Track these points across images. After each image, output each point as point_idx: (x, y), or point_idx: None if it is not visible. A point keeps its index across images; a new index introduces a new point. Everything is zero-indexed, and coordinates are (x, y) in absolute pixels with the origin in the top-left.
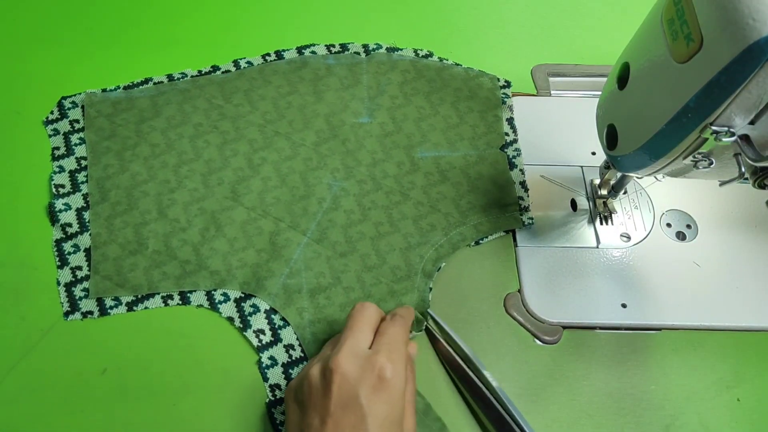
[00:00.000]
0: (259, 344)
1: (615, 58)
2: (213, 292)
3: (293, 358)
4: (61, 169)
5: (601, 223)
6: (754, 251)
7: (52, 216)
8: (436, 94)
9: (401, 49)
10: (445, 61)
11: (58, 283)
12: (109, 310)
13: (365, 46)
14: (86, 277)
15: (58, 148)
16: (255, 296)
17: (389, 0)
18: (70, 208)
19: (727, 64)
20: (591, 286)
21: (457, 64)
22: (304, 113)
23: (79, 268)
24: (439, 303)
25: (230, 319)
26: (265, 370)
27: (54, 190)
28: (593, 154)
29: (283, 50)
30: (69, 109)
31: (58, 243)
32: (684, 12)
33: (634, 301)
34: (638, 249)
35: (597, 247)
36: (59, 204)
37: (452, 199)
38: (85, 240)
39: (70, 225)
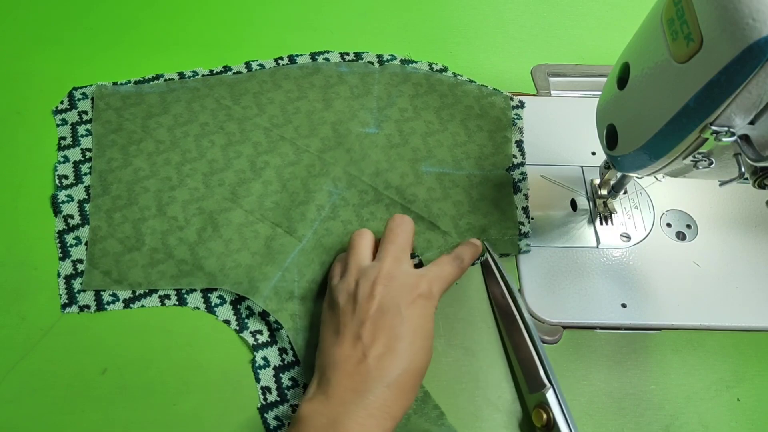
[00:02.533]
0: (255, 343)
1: (615, 58)
2: (209, 294)
3: (285, 362)
4: (66, 159)
5: (601, 223)
6: (754, 251)
7: (55, 207)
8: (447, 110)
9: (416, 62)
10: (459, 77)
11: (59, 275)
12: (106, 306)
13: (379, 57)
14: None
15: (64, 138)
16: (248, 298)
17: (387, 0)
18: (73, 200)
19: (727, 64)
20: (591, 286)
21: (471, 81)
22: (311, 119)
23: (80, 261)
24: (440, 303)
25: (227, 322)
26: (258, 371)
27: (57, 181)
28: (593, 154)
29: (297, 55)
30: (79, 100)
31: (61, 234)
32: (684, 12)
33: (634, 301)
34: (638, 249)
35: (597, 247)
36: (62, 195)
37: (452, 218)
38: (85, 233)
39: (72, 216)
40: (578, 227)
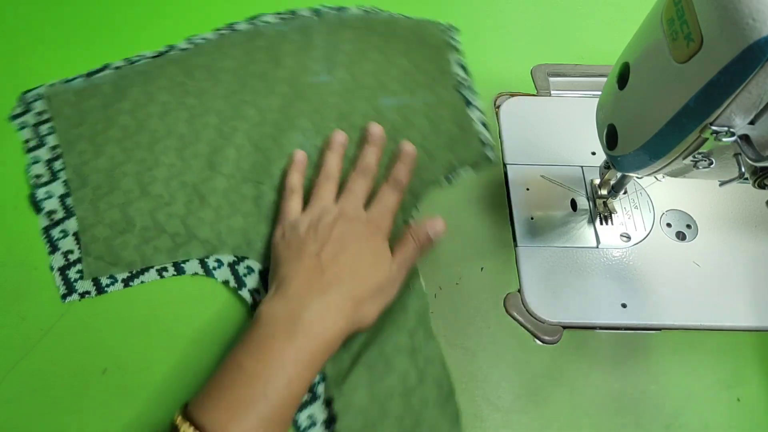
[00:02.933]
0: (253, 303)
1: (615, 58)
2: (206, 260)
3: None
4: (37, 159)
5: (601, 223)
6: (754, 251)
7: (36, 206)
8: (389, 45)
9: (348, 7)
10: (392, 14)
11: (52, 269)
12: (105, 288)
13: (314, 9)
14: (79, 260)
15: (29, 141)
16: (248, 258)
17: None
18: (53, 196)
19: (727, 64)
20: (591, 286)
21: (405, 16)
22: (265, 80)
23: (71, 251)
24: (440, 303)
25: (225, 282)
26: None
27: (33, 180)
28: (593, 154)
29: (235, 23)
30: (32, 102)
31: (46, 230)
32: (684, 12)
33: (634, 301)
34: (638, 249)
35: (597, 247)
36: (41, 193)
37: (419, 143)
38: (72, 224)
39: (54, 212)
40: (578, 227)
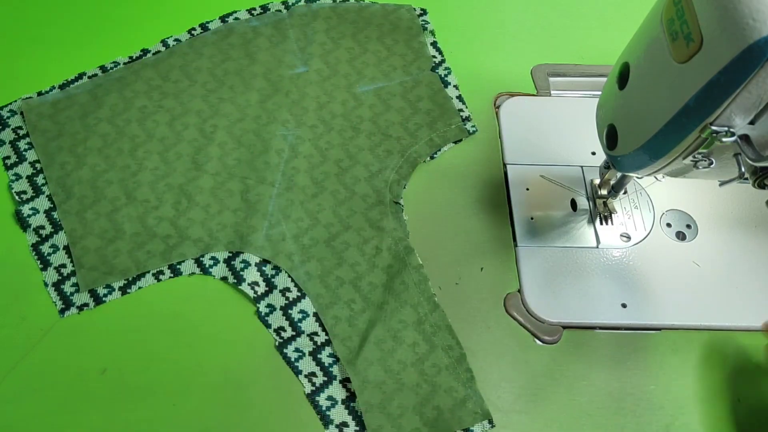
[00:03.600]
0: (255, 295)
1: (615, 58)
2: (201, 258)
3: (290, 299)
4: (18, 176)
5: (601, 223)
6: (754, 251)
7: (23, 222)
8: (361, 33)
9: None
10: (361, 2)
11: (46, 285)
12: (103, 298)
13: (284, 2)
14: (72, 273)
15: (8, 157)
16: (243, 253)
17: None
18: (38, 212)
19: (727, 64)
20: (591, 286)
21: (374, 2)
22: (242, 76)
23: (63, 266)
24: (439, 303)
25: (224, 279)
26: (266, 318)
27: (17, 197)
28: (593, 154)
29: (207, 22)
30: (8, 118)
31: (35, 246)
32: (684, 12)
33: (634, 301)
34: (638, 249)
35: (597, 247)
36: (26, 209)
37: (400, 124)
38: (61, 238)
39: (42, 227)
40: (578, 227)
